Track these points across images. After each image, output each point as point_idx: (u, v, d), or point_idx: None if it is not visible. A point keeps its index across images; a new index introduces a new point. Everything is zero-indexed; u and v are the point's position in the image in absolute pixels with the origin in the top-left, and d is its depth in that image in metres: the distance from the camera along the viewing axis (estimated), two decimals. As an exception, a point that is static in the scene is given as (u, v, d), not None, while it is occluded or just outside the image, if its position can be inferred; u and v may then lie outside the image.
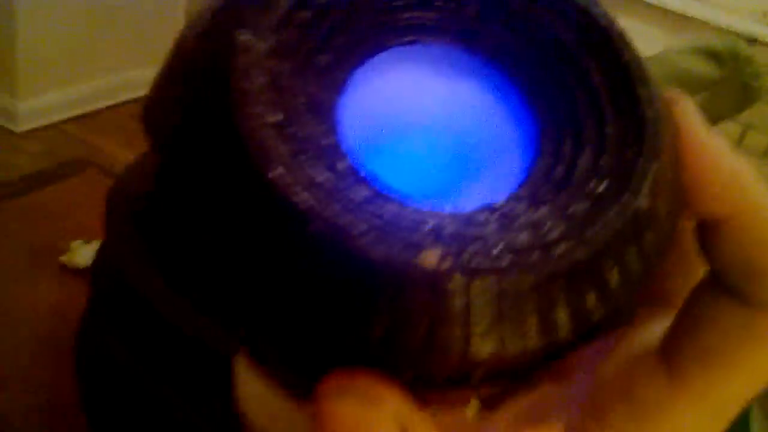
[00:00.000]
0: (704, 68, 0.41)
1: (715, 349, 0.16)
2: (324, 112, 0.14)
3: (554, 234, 0.14)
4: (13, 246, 0.69)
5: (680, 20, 1.75)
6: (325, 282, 0.13)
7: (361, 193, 0.14)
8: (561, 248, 0.14)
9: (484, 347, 0.13)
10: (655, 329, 0.18)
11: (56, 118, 1.97)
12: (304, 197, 0.13)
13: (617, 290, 0.14)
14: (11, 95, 1.86)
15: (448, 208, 0.14)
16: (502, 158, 0.16)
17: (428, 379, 0.14)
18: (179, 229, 0.14)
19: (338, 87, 0.15)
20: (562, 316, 0.14)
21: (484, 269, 0.13)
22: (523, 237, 0.14)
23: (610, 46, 0.16)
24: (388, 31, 0.15)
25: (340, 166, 0.14)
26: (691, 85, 0.41)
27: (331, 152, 0.14)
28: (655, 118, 0.15)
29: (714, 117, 0.42)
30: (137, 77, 2.25)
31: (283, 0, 0.14)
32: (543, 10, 0.16)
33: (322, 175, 0.13)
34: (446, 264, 0.13)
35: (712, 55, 0.42)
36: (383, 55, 0.15)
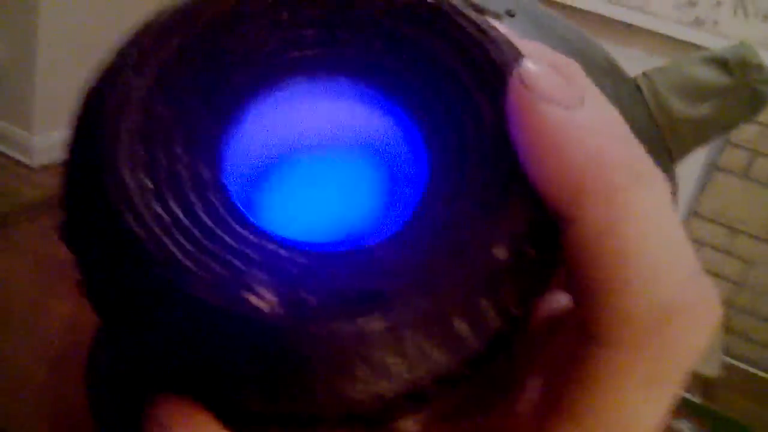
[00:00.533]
0: (713, 76, 0.41)
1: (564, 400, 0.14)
2: (203, 148, 0.14)
3: (400, 283, 0.13)
4: (32, 264, 0.70)
5: (625, 31, 1.77)
6: (172, 321, 0.13)
7: (215, 230, 0.13)
8: (404, 299, 0.13)
9: (329, 392, 0.13)
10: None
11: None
12: (142, 232, 0.13)
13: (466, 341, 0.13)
14: (27, 130, 1.90)
15: (315, 247, 0.14)
16: (393, 193, 0.16)
17: (316, 420, 0.13)
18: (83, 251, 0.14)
19: (221, 125, 0.14)
20: (397, 364, 0.13)
21: (311, 316, 0.13)
22: (371, 284, 0.13)
23: (501, 79, 0.14)
24: (273, 69, 0.15)
25: (203, 201, 0.13)
26: (702, 93, 0.42)
27: (201, 186, 0.13)
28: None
29: (726, 124, 0.43)
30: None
31: (165, 47, 0.14)
32: (429, 35, 0.15)
33: (170, 211, 0.13)
34: (274, 308, 0.13)
35: (721, 63, 0.42)
36: (269, 93, 0.15)
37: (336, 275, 0.13)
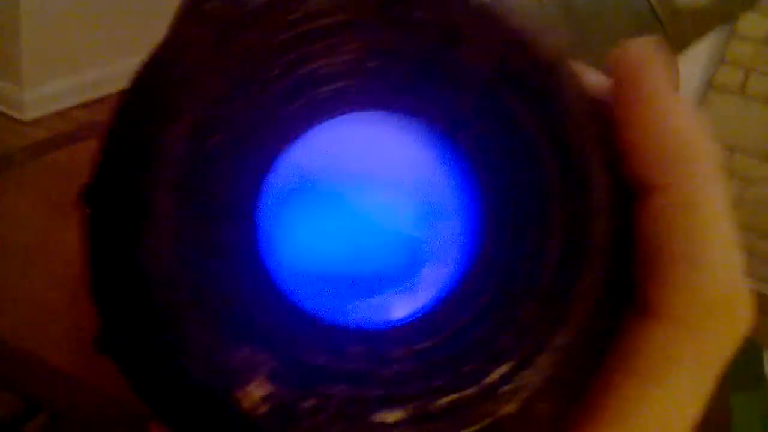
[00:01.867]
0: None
1: (617, 374, 0.14)
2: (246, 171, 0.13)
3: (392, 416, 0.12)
4: (40, 199, 0.71)
5: None
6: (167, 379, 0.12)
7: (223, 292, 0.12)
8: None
9: None
10: None
11: (63, 105, 1.98)
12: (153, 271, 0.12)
13: None
14: (16, 84, 1.88)
15: (342, 317, 0.13)
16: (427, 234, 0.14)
17: None
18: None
19: (263, 166, 0.13)
20: None
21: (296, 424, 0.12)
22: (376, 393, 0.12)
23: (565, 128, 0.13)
24: (311, 109, 0.13)
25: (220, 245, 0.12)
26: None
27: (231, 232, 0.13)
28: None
29: (726, 14, 0.43)
30: (140, 64, 2.26)
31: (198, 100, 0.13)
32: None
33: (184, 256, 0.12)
34: (262, 408, 0.12)
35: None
36: (314, 132, 0.13)
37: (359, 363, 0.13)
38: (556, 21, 0.40)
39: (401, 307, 0.14)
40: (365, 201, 0.14)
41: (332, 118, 0.13)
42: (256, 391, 0.12)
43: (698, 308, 0.13)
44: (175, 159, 0.12)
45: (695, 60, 1.67)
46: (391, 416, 0.12)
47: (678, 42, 0.46)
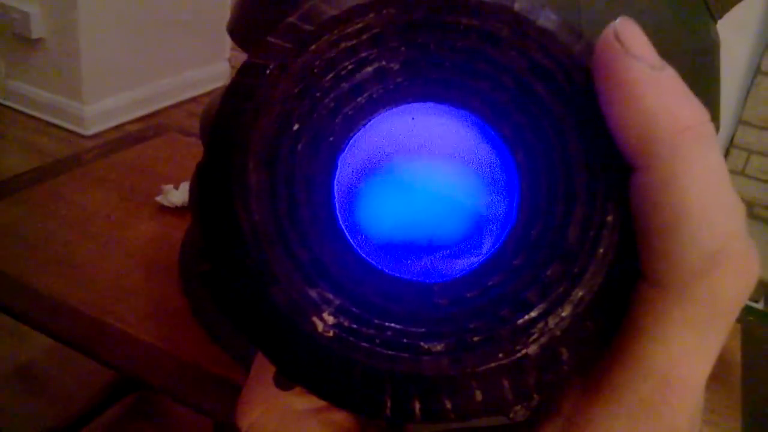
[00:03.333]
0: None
1: (620, 344, 0.15)
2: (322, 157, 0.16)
3: (437, 347, 0.15)
4: (116, 192, 0.75)
5: None
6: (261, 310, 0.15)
7: (308, 236, 0.15)
8: (435, 352, 0.15)
9: None
10: None
11: (120, 120, 2.07)
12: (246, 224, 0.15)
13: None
14: (78, 101, 1.96)
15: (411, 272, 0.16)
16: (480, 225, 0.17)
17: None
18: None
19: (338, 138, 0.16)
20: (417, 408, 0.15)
21: (351, 344, 0.15)
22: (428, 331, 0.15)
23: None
24: (365, 108, 0.16)
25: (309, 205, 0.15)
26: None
27: (317, 194, 0.15)
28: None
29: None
30: (193, 78, 2.34)
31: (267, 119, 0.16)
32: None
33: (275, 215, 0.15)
34: (330, 333, 0.15)
35: None
36: (371, 124, 0.16)
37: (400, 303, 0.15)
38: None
39: (448, 267, 0.16)
40: (423, 176, 0.17)
41: (392, 108, 0.16)
42: (326, 320, 0.15)
43: (682, 271, 0.14)
44: (265, 141, 0.15)
45: (742, 44, 1.65)
46: (434, 347, 0.15)
47: (715, 6, 0.47)
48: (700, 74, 0.42)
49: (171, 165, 0.81)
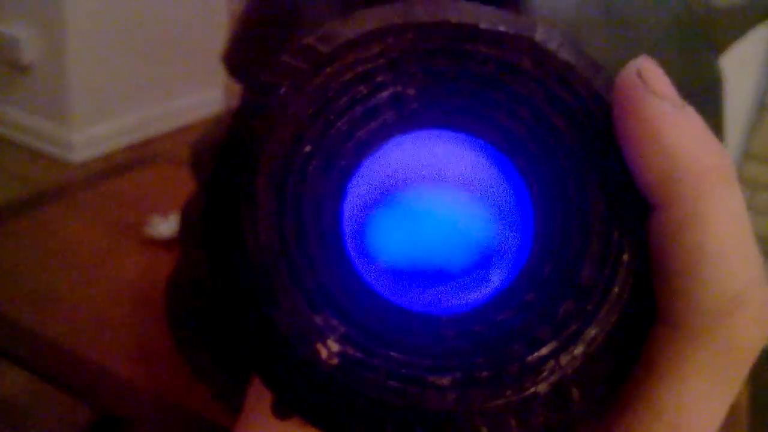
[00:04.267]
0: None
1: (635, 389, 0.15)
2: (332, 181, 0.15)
3: (445, 380, 0.14)
4: (102, 223, 0.74)
5: None
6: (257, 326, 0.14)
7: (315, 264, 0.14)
8: (450, 390, 0.14)
9: None
10: None
11: (109, 147, 2.05)
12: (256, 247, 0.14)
13: None
14: (67, 127, 1.95)
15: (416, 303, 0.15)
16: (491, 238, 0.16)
17: None
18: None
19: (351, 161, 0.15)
20: None
21: (359, 378, 0.14)
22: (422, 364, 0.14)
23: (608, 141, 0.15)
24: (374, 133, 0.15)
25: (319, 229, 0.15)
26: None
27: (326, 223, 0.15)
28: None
29: (765, 11, 0.43)
30: (185, 105, 2.33)
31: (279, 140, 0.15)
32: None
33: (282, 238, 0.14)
34: (334, 360, 0.14)
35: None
36: (380, 152, 0.16)
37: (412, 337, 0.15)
38: (597, 24, 0.41)
39: (457, 299, 0.16)
40: (434, 205, 0.16)
41: (406, 134, 0.16)
42: (330, 347, 0.14)
43: (698, 315, 0.14)
44: (275, 162, 0.15)
45: (747, 80, 1.66)
46: (440, 380, 0.14)
47: (717, 41, 0.46)
48: (706, 111, 0.41)
49: (159, 195, 0.80)
